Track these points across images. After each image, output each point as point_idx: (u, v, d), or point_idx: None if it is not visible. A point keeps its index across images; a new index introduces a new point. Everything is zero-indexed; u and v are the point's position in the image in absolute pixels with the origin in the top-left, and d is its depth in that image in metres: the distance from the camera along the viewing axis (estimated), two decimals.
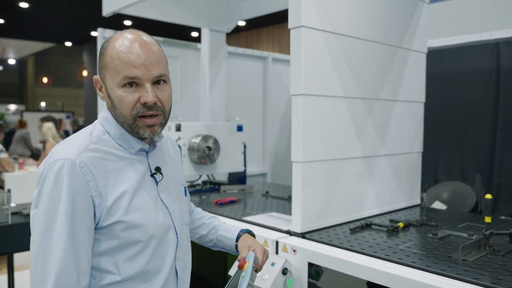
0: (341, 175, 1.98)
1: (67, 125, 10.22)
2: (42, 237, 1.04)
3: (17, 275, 3.19)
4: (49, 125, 5.72)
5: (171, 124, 2.76)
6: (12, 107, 18.78)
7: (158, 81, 1.17)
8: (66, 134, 9.49)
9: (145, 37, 1.18)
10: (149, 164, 1.23)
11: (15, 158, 5.82)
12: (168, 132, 2.78)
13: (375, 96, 2.11)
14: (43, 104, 19.58)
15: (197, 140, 2.74)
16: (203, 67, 3.40)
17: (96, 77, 1.21)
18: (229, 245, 1.47)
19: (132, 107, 1.14)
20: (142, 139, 1.21)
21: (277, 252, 1.77)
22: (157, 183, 1.23)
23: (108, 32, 3.05)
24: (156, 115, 1.17)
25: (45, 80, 18.00)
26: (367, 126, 2.09)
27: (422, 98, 2.40)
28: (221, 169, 2.94)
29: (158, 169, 1.24)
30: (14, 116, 14.33)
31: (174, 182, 1.32)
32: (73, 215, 1.05)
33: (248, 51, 3.74)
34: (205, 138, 2.76)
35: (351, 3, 1.95)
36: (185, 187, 1.38)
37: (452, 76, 2.94)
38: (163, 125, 1.21)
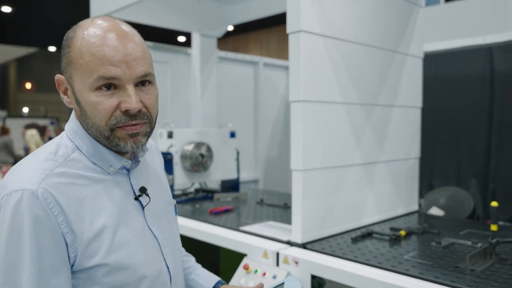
0: (341, 183, 1.94)
1: (52, 131, 10.03)
2: None
3: None
4: (33, 132, 5.58)
5: (162, 131, 2.69)
6: None
7: (142, 82, 0.93)
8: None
9: (123, 25, 0.94)
10: (131, 185, 1.00)
11: None
12: (160, 139, 2.70)
13: (374, 101, 2.07)
14: (25, 110, 19.23)
15: (190, 147, 2.67)
16: (194, 72, 3.34)
17: (59, 76, 0.96)
18: None
19: (110, 115, 0.90)
20: (122, 153, 0.98)
21: (278, 264, 1.71)
22: (143, 207, 1.01)
23: None
24: (140, 124, 0.94)
25: (28, 85, 17.70)
26: (366, 132, 2.05)
27: (419, 103, 2.38)
28: (214, 177, 2.88)
29: (143, 190, 1.01)
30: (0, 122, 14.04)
31: (163, 201, 1.11)
32: (41, 262, 0.82)
33: (239, 56, 3.69)
34: (198, 145, 2.69)
35: (350, 8, 1.92)
36: (174, 205, 1.18)
37: (447, 81, 2.93)
38: (148, 134, 0.97)
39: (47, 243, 0.84)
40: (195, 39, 3.32)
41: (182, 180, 2.69)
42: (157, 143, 2.73)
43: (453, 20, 3.23)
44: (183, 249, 1.29)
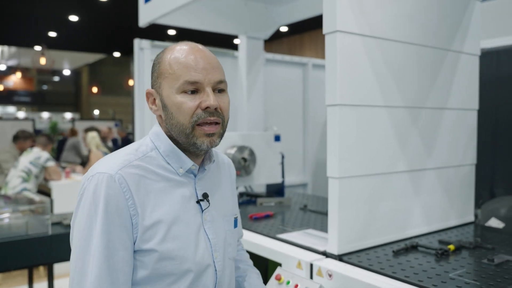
0: (383, 191, 1.82)
1: (115, 133, 10.53)
2: (77, 257, 0.99)
3: (57, 283, 3.24)
4: (93, 134, 5.81)
5: None
6: (68, 115, 19.75)
7: (218, 90, 1.11)
8: (114, 142, 9.78)
9: (200, 46, 1.15)
10: (195, 189, 1.15)
11: (63, 167, 6.02)
12: None
13: (421, 104, 1.92)
14: (96, 112, 20.44)
15: (232, 151, 2.65)
16: (240, 75, 3.33)
17: (149, 90, 1.15)
18: None
19: (192, 113, 1.07)
20: (194, 157, 1.14)
21: (311, 277, 1.63)
22: (202, 211, 1.14)
23: (145, 43, 3.04)
24: (217, 123, 1.09)
25: (94, 89, 18.79)
26: (412, 137, 1.91)
27: (476, 105, 2.18)
28: (258, 181, 2.84)
29: (205, 196, 1.15)
30: (69, 124, 15.03)
31: (224, 212, 1.22)
32: (110, 234, 0.98)
33: (287, 57, 3.62)
34: (241, 149, 2.67)
35: (393, 4, 1.79)
36: (235, 218, 1.27)
37: (510, 79, 2.68)
38: (221, 136, 1.13)
39: (117, 220, 0.99)
40: (242, 42, 3.31)
41: None
42: None
43: None
44: (250, 260, 1.43)
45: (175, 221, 1.06)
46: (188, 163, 1.12)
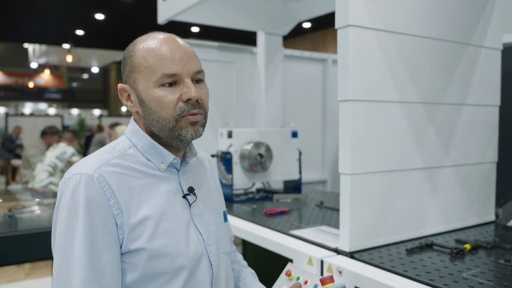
0: (397, 188, 1.79)
1: None
2: (60, 264, 0.93)
3: None
4: (123, 127, 5.80)
5: (222, 130, 2.71)
6: (96, 112, 20.21)
7: (196, 80, 1.07)
8: None
9: (173, 35, 1.11)
10: (180, 183, 1.10)
11: None
12: (220, 138, 2.73)
13: (438, 100, 1.88)
14: (124, 109, 20.84)
15: (249, 147, 2.66)
16: (258, 72, 3.32)
17: (122, 85, 1.10)
18: None
19: (174, 107, 1.02)
20: (176, 152, 1.10)
21: (322, 273, 1.62)
22: (190, 205, 1.09)
23: None
24: (199, 113, 1.06)
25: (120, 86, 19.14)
26: (429, 134, 1.86)
27: (497, 101, 2.11)
28: (275, 177, 2.84)
29: (191, 190, 1.10)
30: (97, 120, 15.40)
31: (212, 206, 1.18)
32: (93, 236, 0.93)
33: (306, 53, 3.59)
34: (257, 145, 2.67)
35: None
36: (224, 212, 1.23)
37: None
38: (203, 125, 1.09)
39: (99, 221, 0.94)
40: (260, 38, 3.30)
41: (241, 180, 2.69)
42: (217, 143, 2.76)
43: None
44: (244, 262, 1.38)
45: (162, 217, 1.01)
46: (170, 157, 1.08)
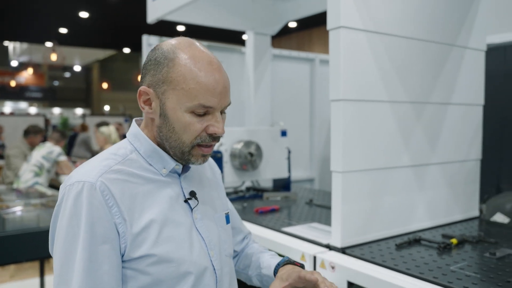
0: (386, 185, 1.84)
1: (126, 129, 10.62)
2: (61, 272, 0.93)
3: (48, 279, 3.27)
4: (111, 128, 5.60)
5: None
6: (79, 111, 19.95)
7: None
8: (124, 137, 9.86)
9: (212, 54, 1.04)
10: (182, 188, 1.09)
11: (74, 162, 6.09)
12: None
13: (425, 99, 1.94)
14: (107, 108, 20.62)
15: (239, 146, 2.69)
16: (247, 71, 3.35)
17: (146, 89, 1.03)
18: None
19: (197, 136, 1.01)
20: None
21: (314, 269, 1.66)
22: (191, 209, 1.08)
23: (153, 39, 3.08)
24: (213, 145, 1.06)
25: (105, 85, 18.92)
26: (416, 132, 1.92)
27: (481, 100, 2.19)
28: (264, 176, 2.87)
29: (193, 194, 1.09)
30: (80, 120, 15.22)
31: (214, 208, 1.17)
32: (93, 246, 0.92)
33: (294, 53, 3.64)
34: (247, 144, 2.70)
35: (398, 0, 1.80)
36: (226, 214, 1.22)
37: None
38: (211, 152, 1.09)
39: (100, 231, 0.93)
40: (249, 38, 3.33)
41: (232, 178, 2.71)
42: None
43: None
44: (262, 248, 1.34)
45: (165, 223, 1.00)
46: (172, 163, 1.07)
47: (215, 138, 1.03)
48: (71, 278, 0.91)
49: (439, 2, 1.96)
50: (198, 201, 1.10)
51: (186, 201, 1.08)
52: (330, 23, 1.68)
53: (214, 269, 1.08)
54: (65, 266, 0.92)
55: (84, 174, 0.97)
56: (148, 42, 3.07)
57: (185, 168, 1.11)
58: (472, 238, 1.78)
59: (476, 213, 2.23)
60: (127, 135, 1.10)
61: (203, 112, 1.00)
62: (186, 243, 1.02)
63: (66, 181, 0.98)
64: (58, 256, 0.94)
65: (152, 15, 2.90)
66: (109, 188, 0.95)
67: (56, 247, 0.95)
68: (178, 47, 1.01)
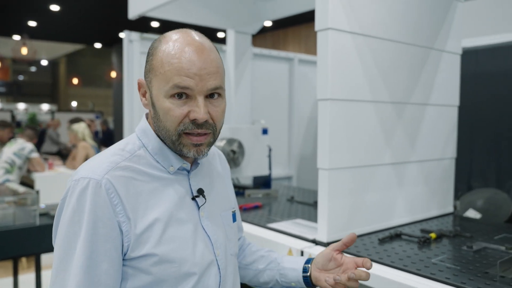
0: (369, 182, 1.91)
1: (98, 125, 10.41)
2: (59, 265, 0.92)
3: (45, 273, 3.24)
4: (82, 125, 5.51)
5: None
6: (45, 107, 19.37)
7: (211, 94, 0.99)
8: (96, 135, 9.68)
9: (202, 40, 1.00)
10: (190, 185, 1.07)
11: (45, 159, 5.95)
12: None
13: (406, 100, 2.02)
14: (74, 104, 20.10)
15: (222, 143, 2.71)
16: (228, 69, 3.37)
17: (141, 80, 1.04)
18: (296, 277, 1.21)
19: (179, 122, 0.97)
20: (185, 157, 1.06)
21: None
22: (199, 207, 1.06)
23: (134, 35, 3.06)
24: (205, 134, 0.99)
25: (75, 81, 18.45)
26: (397, 131, 2.00)
27: (456, 101, 2.29)
28: (246, 173, 2.90)
29: (200, 192, 1.07)
30: (47, 116, 14.78)
31: (221, 206, 1.15)
32: (94, 245, 0.91)
33: (274, 52, 3.68)
34: (230, 141, 2.72)
35: (381, 4, 1.87)
36: (233, 212, 1.19)
37: (488, 77, 2.81)
38: (211, 144, 1.03)
39: (102, 229, 0.92)
40: (230, 36, 3.35)
41: None
42: None
43: (495, 14, 3.08)
44: (264, 247, 1.35)
45: (170, 222, 0.99)
46: (177, 163, 1.04)
47: (199, 125, 0.97)
48: (68, 275, 0.90)
49: (420, 7, 2.04)
50: (205, 199, 1.08)
51: (193, 198, 1.06)
52: (318, 24, 1.73)
53: (219, 268, 1.06)
54: (64, 261, 0.91)
55: (90, 170, 0.95)
56: (129, 38, 3.05)
57: (195, 164, 1.09)
58: (449, 233, 1.87)
59: (450, 209, 2.34)
60: (136, 129, 1.09)
61: (180, 94, 0.96)
62: (189, 243, 1.00)
63: (73, 175, 0.97)
64: (58, 251, 0.93)
65: (134, 11, 2.88)
66: (115, 186, 0.94)
67: (57, 241, 0.94)
68: (165, 36, 1.01)
